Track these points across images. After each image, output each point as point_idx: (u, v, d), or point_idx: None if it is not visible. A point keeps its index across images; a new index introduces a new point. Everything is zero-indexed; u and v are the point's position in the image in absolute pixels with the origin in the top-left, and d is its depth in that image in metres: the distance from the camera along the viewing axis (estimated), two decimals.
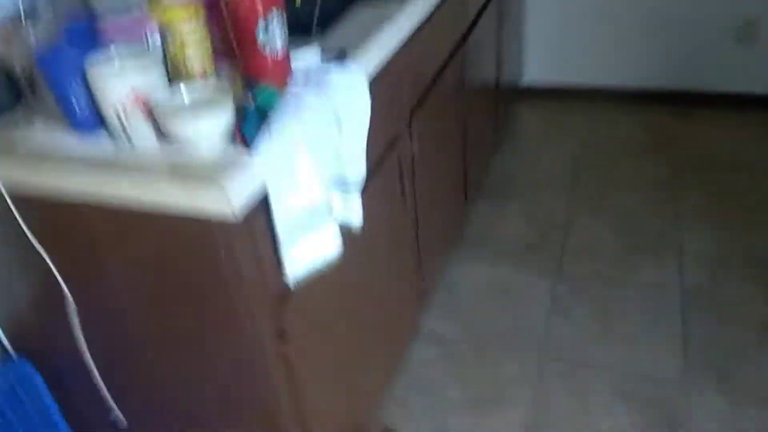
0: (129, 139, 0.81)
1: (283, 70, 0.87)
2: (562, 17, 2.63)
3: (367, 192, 1.10)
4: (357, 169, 0.95)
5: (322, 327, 1.03)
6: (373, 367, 1.32)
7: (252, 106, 0.78)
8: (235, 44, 0.83)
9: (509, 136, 2.56)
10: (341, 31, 1.07)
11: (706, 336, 1.61)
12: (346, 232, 0.97)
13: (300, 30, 1.04)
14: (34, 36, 0.89)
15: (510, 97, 2.51)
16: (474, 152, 1.96)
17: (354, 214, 0.94)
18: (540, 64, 2.77)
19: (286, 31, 0.86)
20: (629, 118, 2.61)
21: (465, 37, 1.69)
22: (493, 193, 2.24)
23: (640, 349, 1.59)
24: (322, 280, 0.96)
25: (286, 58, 0.88)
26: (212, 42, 0.85)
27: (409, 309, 1.53)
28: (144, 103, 0.77)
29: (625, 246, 1.93)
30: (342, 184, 0.91)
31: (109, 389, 1.04)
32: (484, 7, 1.88)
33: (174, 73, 0.83)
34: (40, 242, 0.88)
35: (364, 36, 1.04)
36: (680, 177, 2.21)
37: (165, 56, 0.82)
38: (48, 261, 0.88)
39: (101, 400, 1.05)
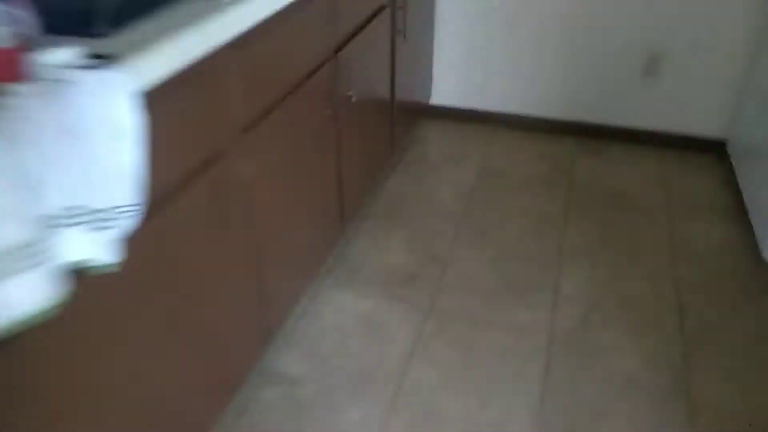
0: None
1: (10, 67, 0.70)
2: (471, 40, 2.55)
3: (162, 218, 0.95)
4: (114, 196, 0.79)
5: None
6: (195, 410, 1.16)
7: None
8: None
9: (407, 158, 2.45)
10: (143, 29, 0.91)
11: (566, 389, 1.51)
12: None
13: (85, 24, 0.88)
14: None
15: (408, 117, 2.40)
16: (354, 173, 1.83)
17: (103, 252, 0.78)
18: (448, 85, 2.68)
19: (30, 17, 0.70)
20: (534, 147, 2.54)
21: (337, 51, 1.55)
22: (379, 216, 2.11)
23: (494, 400, 1.49)
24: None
25: (18, 54, 0.71)
26: None
27: (249, 347, 1.38)
28: None
29: (502, 283, 1.84)
30: (85, 215, 0.75)
31: None
32: (368, 21, 1.76)
33: None
34: None
35: (162, 36, 0.89)
36: (572, 213, 2.14)
37: None
38: None
39: None
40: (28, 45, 0.75)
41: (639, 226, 2.08)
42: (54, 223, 0.73)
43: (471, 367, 1.57)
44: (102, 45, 0.85)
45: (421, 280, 1.85)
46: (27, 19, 0.77)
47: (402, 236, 2.03)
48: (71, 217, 0.75)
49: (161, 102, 0.90)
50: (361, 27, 1.71)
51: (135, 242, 0.89)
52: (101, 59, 0.79)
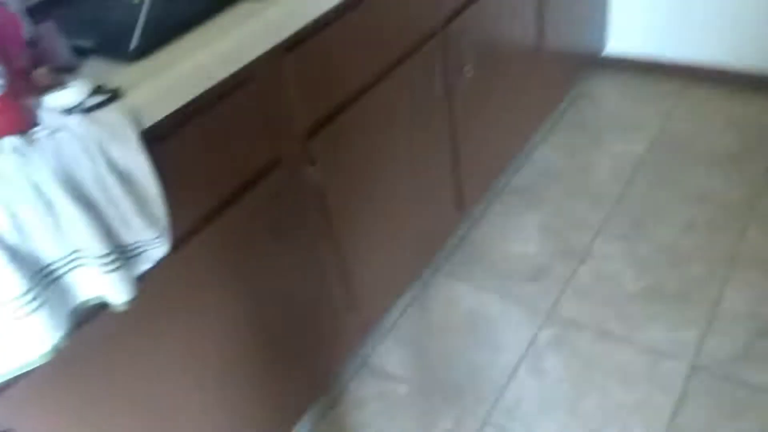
0: None
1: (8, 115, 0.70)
2: None
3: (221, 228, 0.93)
4: (127, 235, 0.78)
5: None
6: None
7: None
8: None
9: (566, 122, 2.16)
10: (176, 51, 0.86)
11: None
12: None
13: (115, 47, 0.86)
14: None
15: (568, 73, 2.09)
16: (477, 152, 1.65)
17: (116, 292, 0.78)
18: (629, 31, 2.26)
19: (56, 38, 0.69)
20: (730, 110, 2.06)
21: (448, 22, 1.37)
22: (516, 194, 1.91)
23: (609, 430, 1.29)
24: None
25: (13, 103, 0.71)
26: None
27: (345, 339, 1.35)
28: None
29: (647, 290, 1.55)
30: (95, 257, 0.75)
31: None
32: None
33: None
34: None
35: (189, 54, 0.84)
36: (763, 203, 1.72)
37: None
38: None
39: None
40: (32, 84, 0.75)
41: None
42: (60, 266, 0.75)
43: (585, 391, 1.37)
44: (126, 72, 0.82)
45: (548, 277, 1.64)
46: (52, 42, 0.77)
47: (537, 221, 1.81)
48: (76, 260, 0.76)
49: (192, 125, 0.86)
50: None
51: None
52: (109, 95, 0.76)
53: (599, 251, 1.68)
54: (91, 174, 0.73)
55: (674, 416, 1.30)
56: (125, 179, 0.76)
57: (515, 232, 1.79)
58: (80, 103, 0.74)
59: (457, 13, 1.39)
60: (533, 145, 2.09)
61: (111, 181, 0.75)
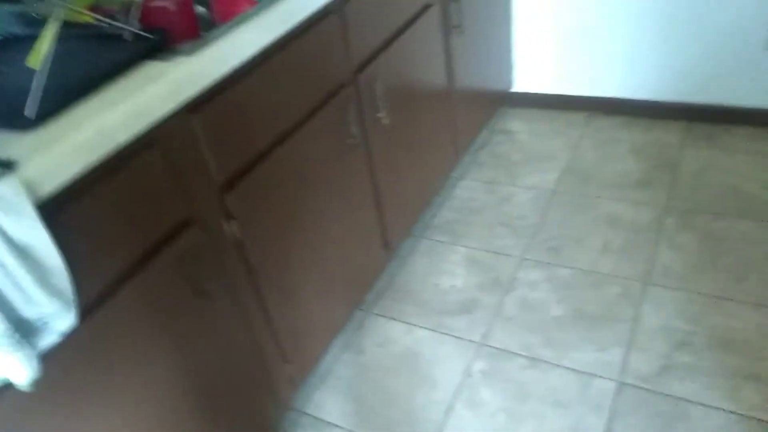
0: None
1: None
2: (558, 17, 2.24)
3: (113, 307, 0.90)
4: (35, 309, 0.74)
5: None
6: None
7: None
8: None
9: (483, 158, 2.24)
10: (77, 115, 0.84)
11: None
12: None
13: (10, 115, 0.83)
14: None
15: (480, 113, 2.18)
16: (399, 193, 1.69)
17: (19, 372, 0.74)
18: (534, 69, 2.40)
19: None
20: (634, 137, 2.20)
21: (358, 72, 1.41)
22: (441, 231, 1.95)
23: None
24: None
25: None
26: None
27: (276, 390, 1.32)
28: None
29: (570, 315, 1.61)
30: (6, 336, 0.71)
31: None
32: (406, 26, 1.58)
33: None
34: None
35: (94, 116, 0.82)
36: (670, 223, 1.82)
37: None
38: None
39: None
40: None
41: (755, 238, 1.72)
42: None
43: (520, 420, 1.39)
44: (23, 140, 0.79)
45: (477, 309, 1.68)
46: None
47: (463, 255, 1.85)
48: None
49: (96, 190, 0.84)
50: (394, 37, 1.54)
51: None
52: (0, 168, 0.73)
53: (523, 279, 1.74)
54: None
55: None
56: (22, 252, 0.73)
57: (443, 267, 1.82)
58: None
59: (367, 63, 1.44)
60: (454, 182, 2.15)
61: (6, 256, 0.72)
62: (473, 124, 2.15)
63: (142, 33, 0.98)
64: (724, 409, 1.33)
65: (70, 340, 0.82)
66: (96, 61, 0.93)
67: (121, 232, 0.90)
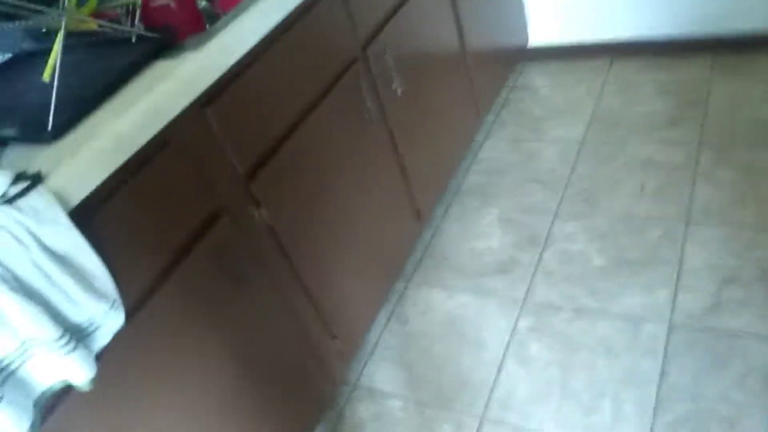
0: None
1: None
2: None
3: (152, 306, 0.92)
4: (83, 312, 0.77)
5: None
6: None
7: None
8: None
9: (505, 116, 2.21)
10: (95, 123, 0.86)
11: (687, 394, 1.27)
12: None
13: (33, 130, 0.86)
14: None
15: (498, 71, 2.15)
16: (424, 161, 1.68)
17: (77, 373, 0.77)
18: (548, 21, 2.33)
19: None
20: (659, 78, 2.13)
21: (365, 48, 1.39)
22: (471, 194, 1.94)
23: (597, 412, 1.30)
24: None
25: None
26: None
27: (330, 368, 1.35)
28: None
29: (612, 262, 1.58)
30: (45, 342, 0.74)
31: None
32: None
33: None
34: None
35: (108, 123, 0.84)
36: (706, 159, 1.77)
37: None
38: None
39: None
40: None
41: None
42: (14, 360, 0.74)
43: (572, 371, 1.39)
44: (47, 153, 0.82)
45: (516, 267, 1.67)
46: None
47: (496, 215, 1.84)
48: (29, 349, 0.75)
49: (123, 193, 0.86)
50: (399, 5, 1.52)
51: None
52: (30, 181, 0.76)
53: (560, 233, 1.72)
54: (26, 262, 0.73)
55: (662, 378, 1.32)
56: (63, 260, 0.76)
57: (477, 230, 1.81)
58: (2, 195, 0.74)
59: (374, 36, 1.43)
60: (478, 144, 2.12)
61: (48, 265, 0.74)
62: (492, 84, 2.12)
63: (147, 34, 1.00)
64: None
65: (120, 340, 0.85)
66: (106, 67, 0.94)
67: (154, 231, 0.92)
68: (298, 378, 1.27)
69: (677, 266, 1.52)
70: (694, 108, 1.95)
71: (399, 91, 1.51)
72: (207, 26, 1.21)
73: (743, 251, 1.49)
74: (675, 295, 1.46)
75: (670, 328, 1.40)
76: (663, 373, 1.32)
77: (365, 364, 1.57)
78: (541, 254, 1.68)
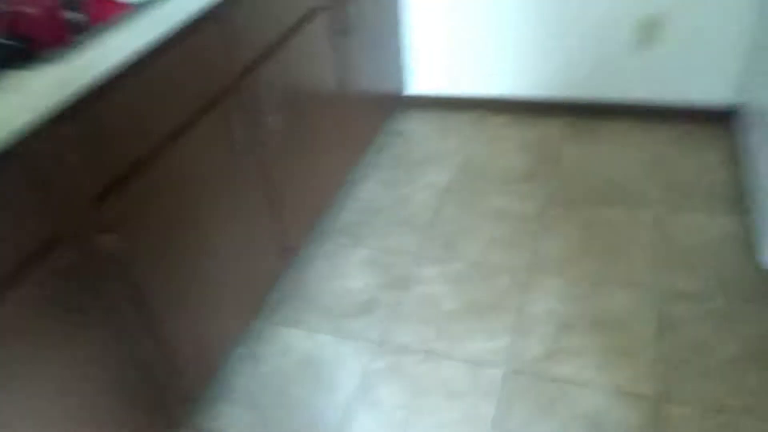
0: None
1: None
2: (448, 21, 2.32)
3: None
4: None
5: None
6: None
7: None
8: None
9: (382, 159, 2.29)
10: None
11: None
12: None
13: None
14: None
15: (376, 117, 2.23)
16: (298, 200, 1.70)
17: None
18: (427, 72, 2.47)
19: None
20: (522, 133, 2.31)
21: (240, 79, 1.41)
22: (342, 233, 1.98)
23: None
24: None
25: None
26: None
27: (173, 405, 1.31)
28: None
29: (463, 307, 1.68)
30: None
31: None
32: (291, 31, 1.59)
33: None
34: None
35: None
36: (551, 214, 1.93)
37: None
38: None
39: None
40: None
41: (626, 223, 1.85)
42: None
43: (418, 414, 1.44)
44: None
45: (376, 309, 1.72)
46: None
47: (363, 256, 1.89)
48: None
49: None
50: (281, 42, 1.55)
51: None
52: None
53: (419, 276, 1.79)
54: None
55: (497, 421, 1.40)
56: None
57: (342, 269, 1.85)
58: None
59: (252, 68, 1.44)
60: (354, 183, 2.18)
61: None
62: (370, 127, 2.19)
63: (1, 41, 0.95)
64: (600, 385, 1.43)
65: None
66: None
67: None
68: (135, 416, 1.22)
69: (519, 313, 1.64)
70: (548, 164, 2.13)
71: (275, 125, 1.53)
72: (73, 39, 1.16)
73: (580, 301, 1.64)
74: (515, 341, 1.57)
75: (507, 373, 1.50)
76: (497, 417, 1.41)
77: (213, 405, 1.53)
78: (400, 297, 1.74)
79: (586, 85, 2.28)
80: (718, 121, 2.21)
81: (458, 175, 2.15)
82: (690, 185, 1.97)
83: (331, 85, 1.85)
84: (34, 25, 1.09)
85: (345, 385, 1.53)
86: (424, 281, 1.78)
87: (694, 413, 1.35)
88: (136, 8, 1.12)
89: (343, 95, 1.93)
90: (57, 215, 0.98)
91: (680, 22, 2.06)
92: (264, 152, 1.53)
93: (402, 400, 1.48)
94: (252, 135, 1.48)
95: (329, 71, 1.83)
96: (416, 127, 2.44)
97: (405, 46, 2.42)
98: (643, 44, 2.14)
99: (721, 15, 2.01)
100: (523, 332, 1.59)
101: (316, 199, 1.84)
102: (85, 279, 1.05)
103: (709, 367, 1.44)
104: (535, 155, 2.19)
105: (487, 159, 2.21)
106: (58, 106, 0.94)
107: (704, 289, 1.63)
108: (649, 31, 2.10)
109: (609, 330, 1.56)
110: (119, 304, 1.14)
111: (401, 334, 1.64)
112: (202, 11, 1.25)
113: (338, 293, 1.78)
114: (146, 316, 1.21)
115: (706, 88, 2.16)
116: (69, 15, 1.21)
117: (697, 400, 1.38)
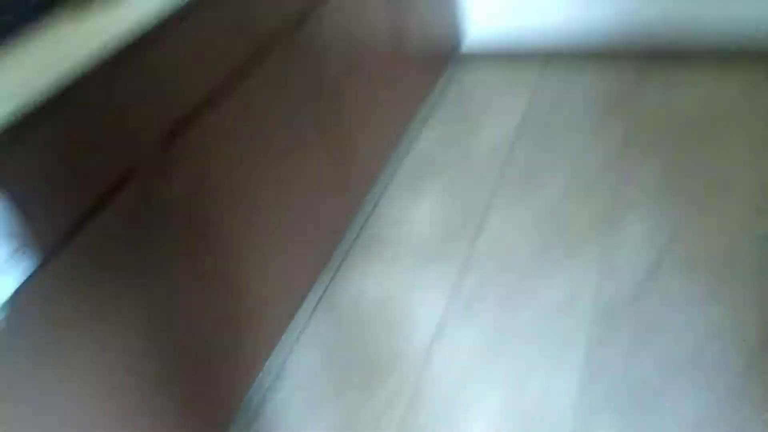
0: None
1: None
2: None
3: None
4: None
5: None
6: None
7: None
8: None
9: (440, 113, 2.22)
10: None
11: (611, 376, 1.30)
12: None
13: None
14: None
15: (435, 68, 2.16)
16: (363, 148, 1.66)
17: None
18: (486, 24, 2.38)
19: None
20: (581, 82, 2.22)
21: (297, 26, 1.36)
22: (405, 181, 1.93)
23: (529, 384, 1.31)
24: None
25: None
26: None
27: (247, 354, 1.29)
28: None
29: (539, 254, 1.61)
30: None
31: None
32: None
33: None
34: None
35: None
36: (632, 151, 1.84)
37: None
38: None
39: None
40: None
41: (713, 166, 1.75)
42: None
43: (499, 355, 1.39)
44: None
45: (448, 255, 1.67)
46: None
47: (430, 203, 1.84)
48: None
49: (30, 142, 0.79)
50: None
51: None
52: None
53: (491, 223, 1.73)
54: None
55: (587, 361, 1.34)
56: None
57: (411, 216, 1.81)
58: None
59: (308, 13, 1.39)
60: (415, 133, 2.13)
61: None
62: (427, 77, 2.13)
63: None
64: (697, 323, 1.36)
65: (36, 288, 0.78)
66: None
67: (67, 180, 0.85)
68: (216, 362, 1.19)
69: (600, 257, 1.56)
70: (622, 109, 2.03)
71: (333, 71, 1.49)
72: None
73: (669, 242, 1.56)
74: (598, 285, 1.50)
75: (594, 314, 1.43)
76: (582, 361, 1.35)
77: (291, 350, 1.51)
78: (472, 242, 1.68)
79: (663, 25, 2.16)
80: None
81: (526, 120, 2.07)
82: None
83: (386, 36, 1.78)
84: None
85: (422, 327, 1.49)
86: (497, 228, 1.71)
87: None
88: None
89: (398, 46, 1.86)
90: (129, 152, 0.96)
91: None
92: (325, 98, 1.48)
93: (481, 344, 1.43)
94: (312, 81, 1.43)
95: (384, 20, 1.77)
96: (476, 80, 2.36)
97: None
98: None
99: None
100: (605, 275, 1.51)
101: (377, 148, 1.80)
102: (159, 217, 1.03)
103: None
104: (610, 98, 2.09)
105: (554, 107, 2.12)
106: (122, 45, 0.92)
107: None
108: None
109: (703, 271, 1.47)
110: (197, 245, 1.11)
111: (478, 276, 1.58)
112: None
113: (408, 239, 1.73)
114: (223, 257, 1.18)
115: None
116: None
117: None
